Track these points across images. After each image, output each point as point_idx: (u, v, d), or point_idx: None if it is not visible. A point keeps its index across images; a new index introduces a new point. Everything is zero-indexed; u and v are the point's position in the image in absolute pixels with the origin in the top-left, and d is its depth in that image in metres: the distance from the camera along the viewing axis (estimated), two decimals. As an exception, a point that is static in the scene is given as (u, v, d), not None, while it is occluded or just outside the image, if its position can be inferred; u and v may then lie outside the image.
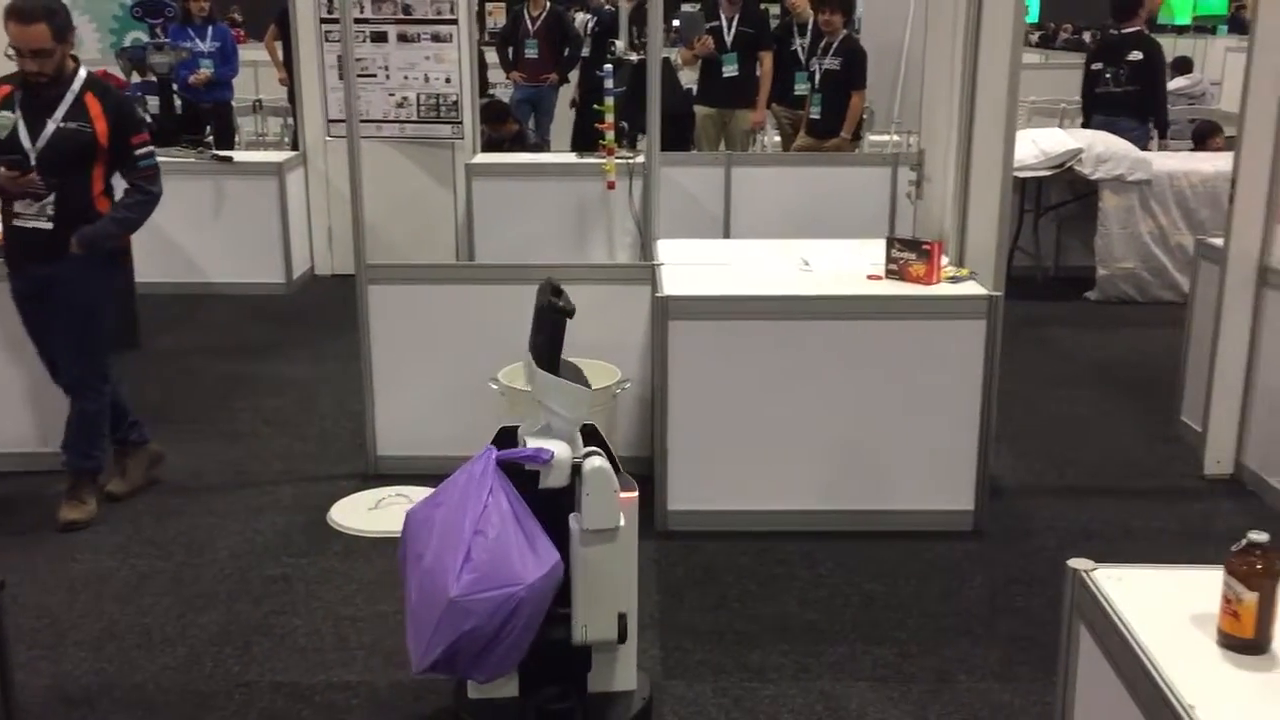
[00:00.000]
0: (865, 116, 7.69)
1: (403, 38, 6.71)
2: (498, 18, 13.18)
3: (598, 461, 2.64)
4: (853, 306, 3.95)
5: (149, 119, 7.41)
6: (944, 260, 4.14)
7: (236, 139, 9.30)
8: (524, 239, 6.56)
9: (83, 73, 3.93)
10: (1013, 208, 6.13)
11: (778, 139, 8.67)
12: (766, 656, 3.30)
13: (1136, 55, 7.49)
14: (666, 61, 6.89)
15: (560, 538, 2.64)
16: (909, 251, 4.08)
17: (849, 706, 3.08)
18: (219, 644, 3.36)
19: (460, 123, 6.85)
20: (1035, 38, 19.81)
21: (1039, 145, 7.05)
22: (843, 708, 3.07)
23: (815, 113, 7.53)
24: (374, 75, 6.71)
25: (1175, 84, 11.28)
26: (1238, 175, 4.30)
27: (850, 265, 4.28)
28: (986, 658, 3.30)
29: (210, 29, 8.33)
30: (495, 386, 3.99)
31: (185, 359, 5.99)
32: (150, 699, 3.11)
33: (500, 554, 2.51)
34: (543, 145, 9.10)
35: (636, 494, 2.75)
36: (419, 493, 4.24)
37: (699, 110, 8.20)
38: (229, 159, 7.27)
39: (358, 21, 6.50)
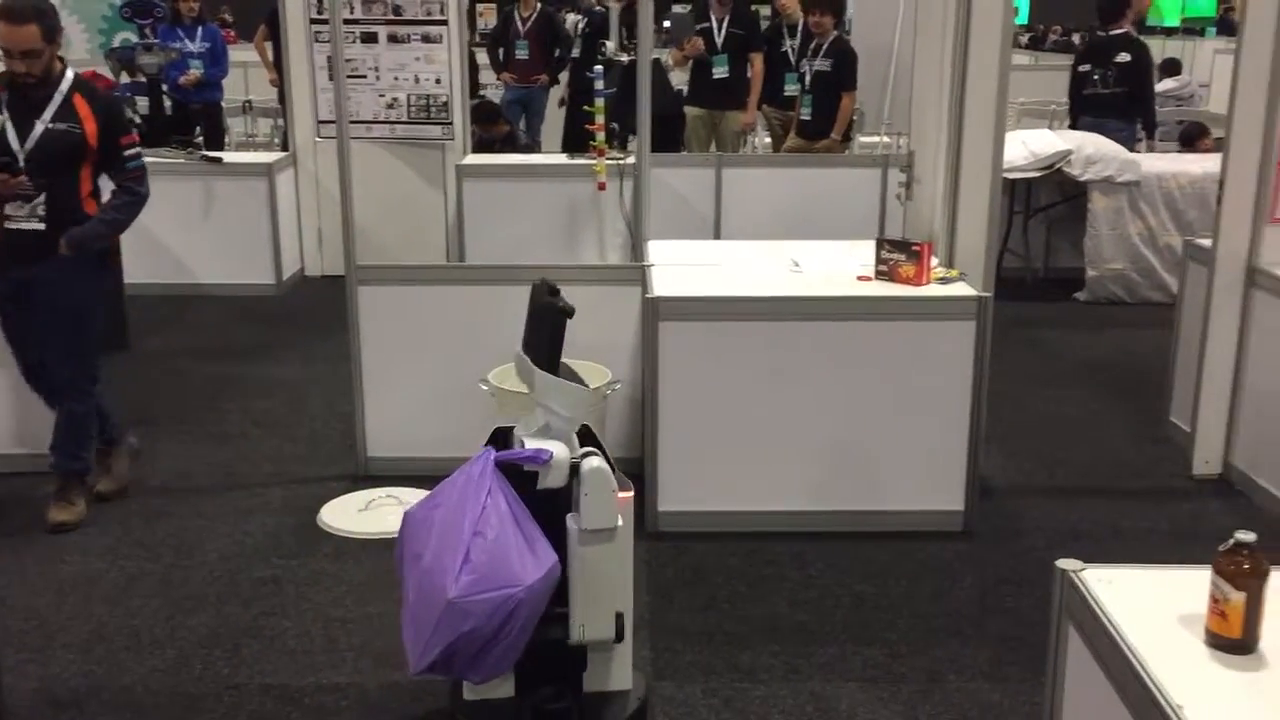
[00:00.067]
0: (855, 118, 7.70)
1: (393, 38, 6.70)
2: (489, 18, 13.16)
3: (596, 462, 2.65)
4: (843, 307, 3.96)
5: (138, 120, 7.40)
6: (934, 261, 4.15)
7: (226, 140, 9.28)
8: (514, 240, 6.55)
9: (70, 74, 3.92)
10: (1002, 209, 6.14)
11: (768, 140, 8.68)
12: (757, 657, 3.31)
13: (1124, 57, 7.52)
14: (657, 62, 6.89)
15: (557, 538, 2.65)
16: (899, 252, 4.09)
17: (839, 707, 3.08)
18: (208, 646, 3.35)
19: (451, 123, 6.85)
20: (1025, 39, 19.86)
21: (1028, 147, 7.07)
22: (833, 708, 3.08)
23: (805, 114, 7.54)
24: (364, 76, 6.70)
25: (1164, 85, 11.31)
26: (1225, 176, 4.32)
27: (840, 266, 4.28)
28: (976, 658, 3.31)
29: (200, 29, 8.31)
30: (485, 388, 3.98)
31: (174, 360, 5.98)
32: (139, 701, 3.10)
33: (499, 555, 2.51)
34: (533, 146, 9.09)
35: (632, 493, 2.76)
36: (409, 494, 4.24)
37: (689, 111, 8.20)
38: (218, 160, 7.25)
39: (348, 22, 6.49)
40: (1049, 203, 7.49)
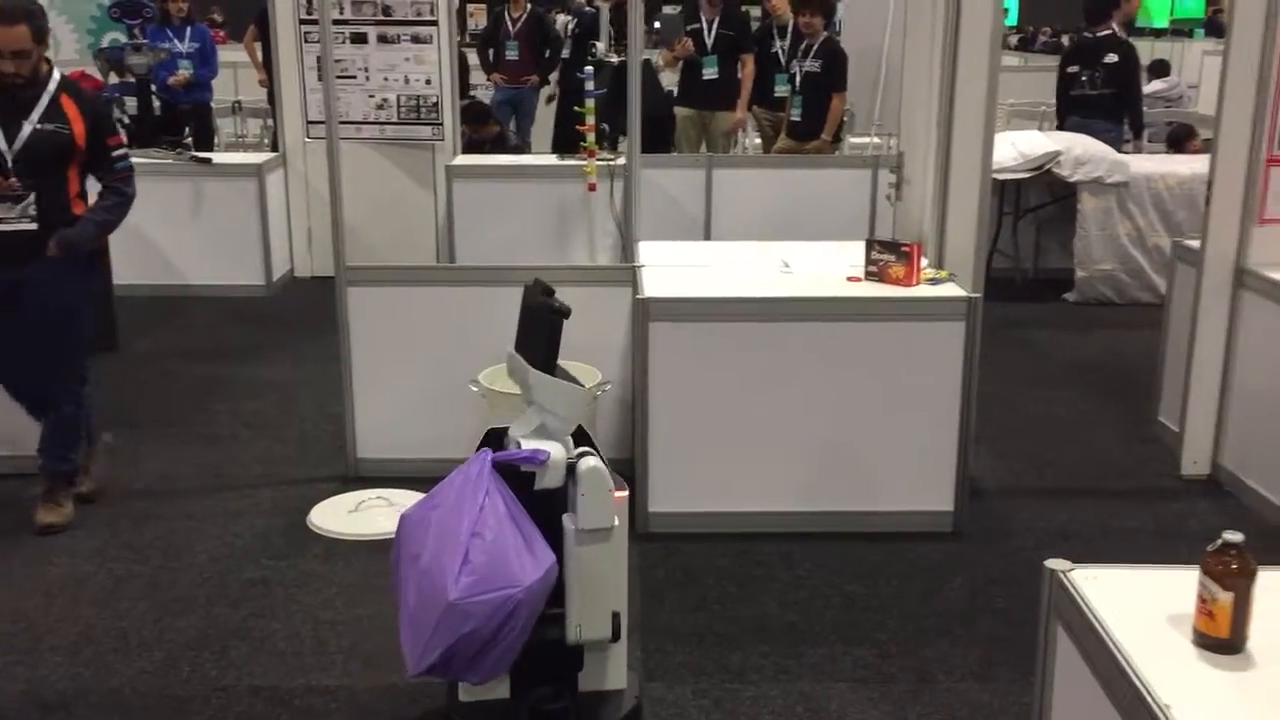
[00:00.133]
0: (846, 119, 7.71)
1: (383, 39, 6.69)
2: (479, 19, 13.16)
3: (592, 461, 2.66)
4: (832, 308, 3.96)
5: (127, 120, 7.38)
6: (923, 262, 4.16)
7: (216, 140, 9.26)
8: (505, 241, 6.55)
9: (56, 74, 3.92)
10: (992, 210, 6.15)
11: (758, 141, 8.69)
12: (747, 658, 3.31)
13: (1112, 58, 7.54)
14: (647, 63, 6.89)
15: (553, 538, 2.65)
16: (889, 253, 4.10)
17: (829, 707, 3.08)
18: (197, 648, 3.34)
19: (440, 124, 6.84)
20: (1014, 40, 19.90)
21: (1018, 148, 7.08)
22: (823, 709, 3.08)
23: (796, 115, 7.54)
24: (354, 77, 6.69)
25: (1152, 87, 11.35)
26: (1214, 178, 4.33)
27: (830, 267, 4.29)
28: (966, 658, 3.32)
29: (189, 30, 8.29)
30: (476, 389, 3.98)
31: (163, 361, 5.96)
32: (127, 704, 3.09)
33: (498, 556, 2.51)
34: (523, 147, 9.09)
35: (627, 493, 2.76)
36: (399, 495, 4.23)
37: (679, 112, 8.21)
38: (208, 160, 7.23)
39: (337, 23, 6.47)
40: (1038, 204, 7.51)
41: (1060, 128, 7.85)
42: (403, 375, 4.40)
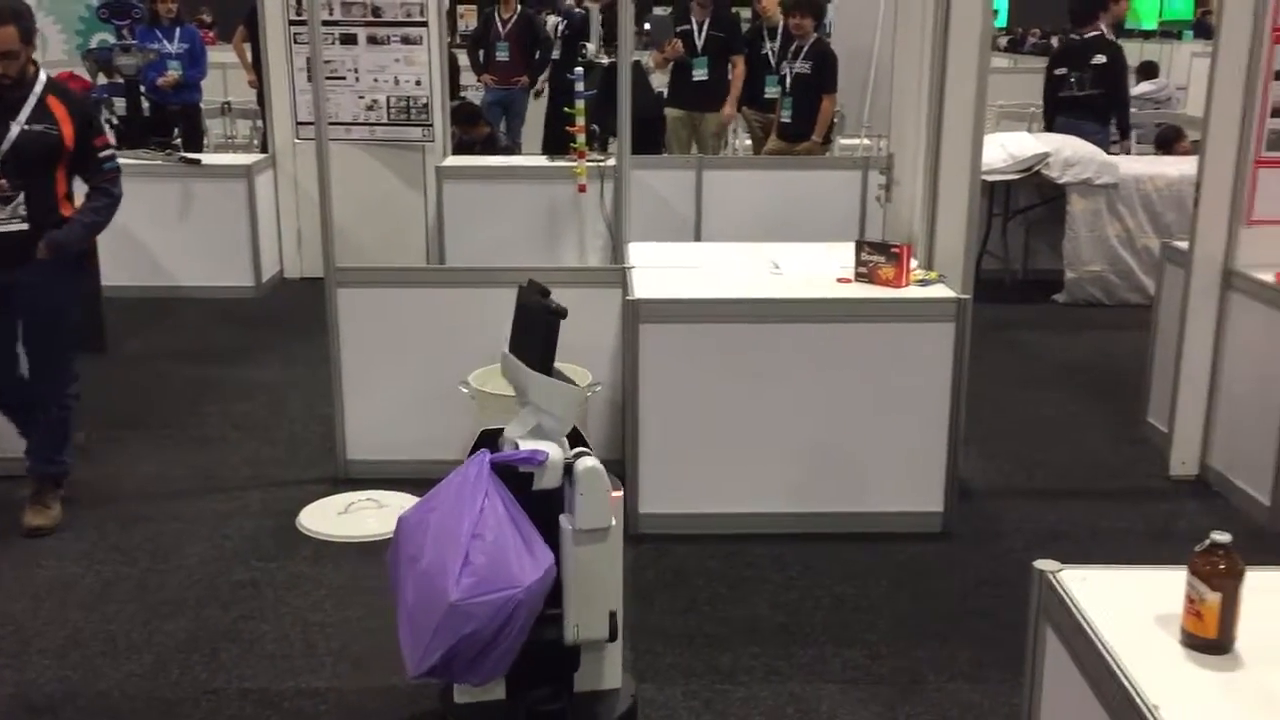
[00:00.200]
0: (836, 120, 7.72)
1: (372, 40, 6.68)
2: (469, 20, 13.16)
3: (590, 462, 2.66)
4: (822, 309, 3.97)
5: (116, 121, 7.35)
6: (913, 263, 4.16)
7: (205, 141, 9.23)
8: (495, 242, 6.54)
9: (43, 76, 3.91)
10: (981, 211, 6.18)
11: (748, 142, 8.69)
12: (737, 659, 3.31)
13: (1100, 59, 7.57)
14: (637, 64, 6.91)
15: (549, 539, 2.66)
16: (878, 254, 4.10)
17: (819, 708, 3.08)
18: (186, 651, 3.33)
19: (430, 125, 6.83)
20: (1004, 42, 19.95)
21: (1007, 149, 7.10)
22: (813, 710, 3.08)
23: (786, 116, 7.55)
24: (343, 78, 6.68)
25: (1141, 88, 11.39)
26: (1202, 179, 4.35)
27: (820, 268, 4.29)
28: (955, 659, 3.32)
29: (178, 30, 8.26)
30: (466, 390, 3.97)
31: (152, 363, 5.94)
32: (116, 707, 3.08)
33: (499, 557, 2.52)
34: (514, 148, 9.08)
35: (622, 492, 2.76)
36: (389, 497, 4.23)
37: (669, 113, 8.21)
38: (197, 161, 7.21)
39: (327, 23, 6.46)
40: (1028, 205, 7.53)
41: (1048, 129, 7.88)
42: (392, 377, 4.39)
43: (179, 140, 8.06)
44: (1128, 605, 1.94)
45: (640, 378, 3.94)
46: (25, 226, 3.82)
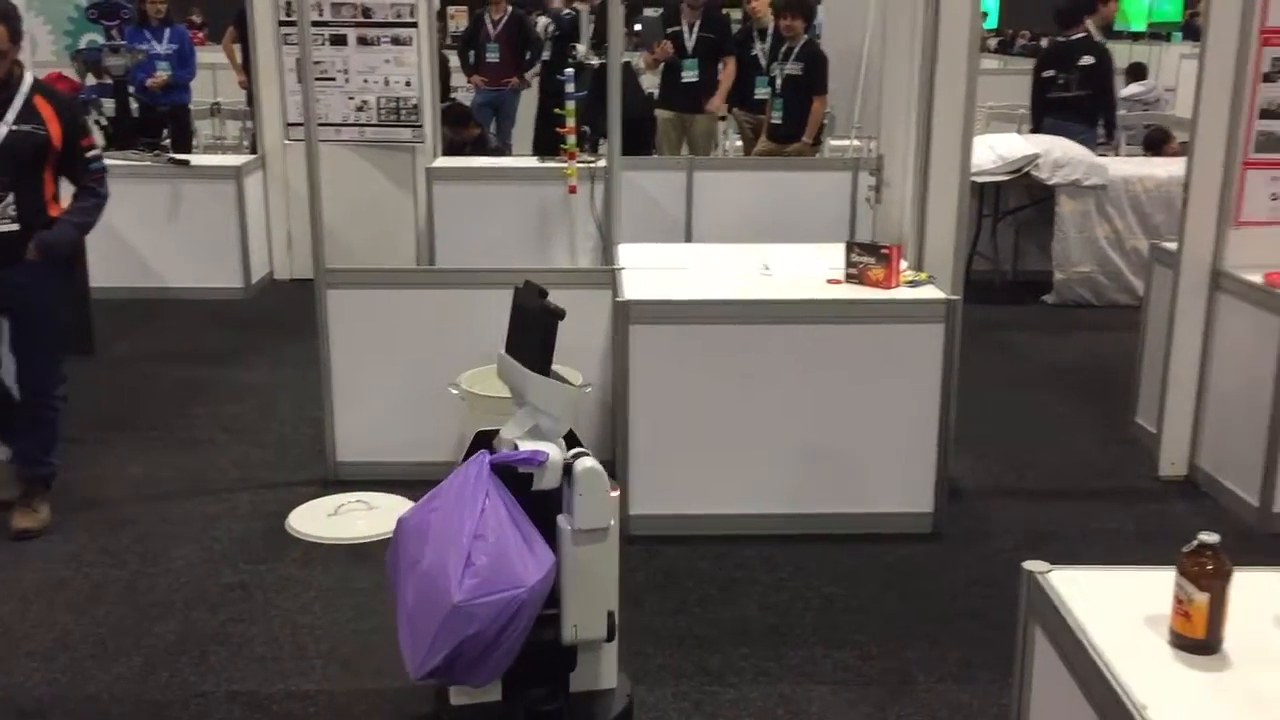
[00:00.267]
0: (826, 121, 7.73)
1: (362, 41, 6.68)
2: (459, 21, 13.13)
3: (589, 462, 2.66)
4: (812, 310, 3.97)
5: (105, 122, 7.33)
6: (903, 264, 4.17)
7: (194, 142, 9.21)
8: (485, 243, 6.54)
9: (29, 76, 3.90)
10: (971, 212, 6.17)
11: (739, 143, 8.69)
12: (727, 660, 3.31)
13: (1088, 60, 7.60)
14: (627, 66, 6.89)
15: (546, 539, 2.66)
16: (868, 256, 4.11)
17: (809, 709, 3.09)
18: (175, 654, 3.32)
19: (421, 126, 6.83)
20: (993, 43, 19.99)
21: (996, 151, 7.12)
22: (803, 711, 3.08)
23: (776, 117, 7.56)
24: (333, 79, 6.67)
25: (1130, 90, 11.42)
26: (1190, 180, 4.36)
27: (810, 269, 4.29)
28: (945, 659, 3.33)
29: (167, 31, 8.23)
30: (456, 392, 3.97)
31: (141, 365, 5.92)
32: (104, 710, 3.07)
33: (501, 557, 2.53)
34: (504, 149, 9.07)
35: (618, 492, 2.77)
36: (379, 499, 4.22)
37: (660, 114, 8.21)
38: (186, 162, 7.19)
39: (317, 24, 6.46)
40: (1017, 206, 7.54)
41: (1035, 131, 7.90)
42: (382, 378, 4.38)
43: (168, 141, 8.02)
44: (1116, 606, 1.95)
45: (630, 379, 3.94)
46: (15, 227, 3.81)
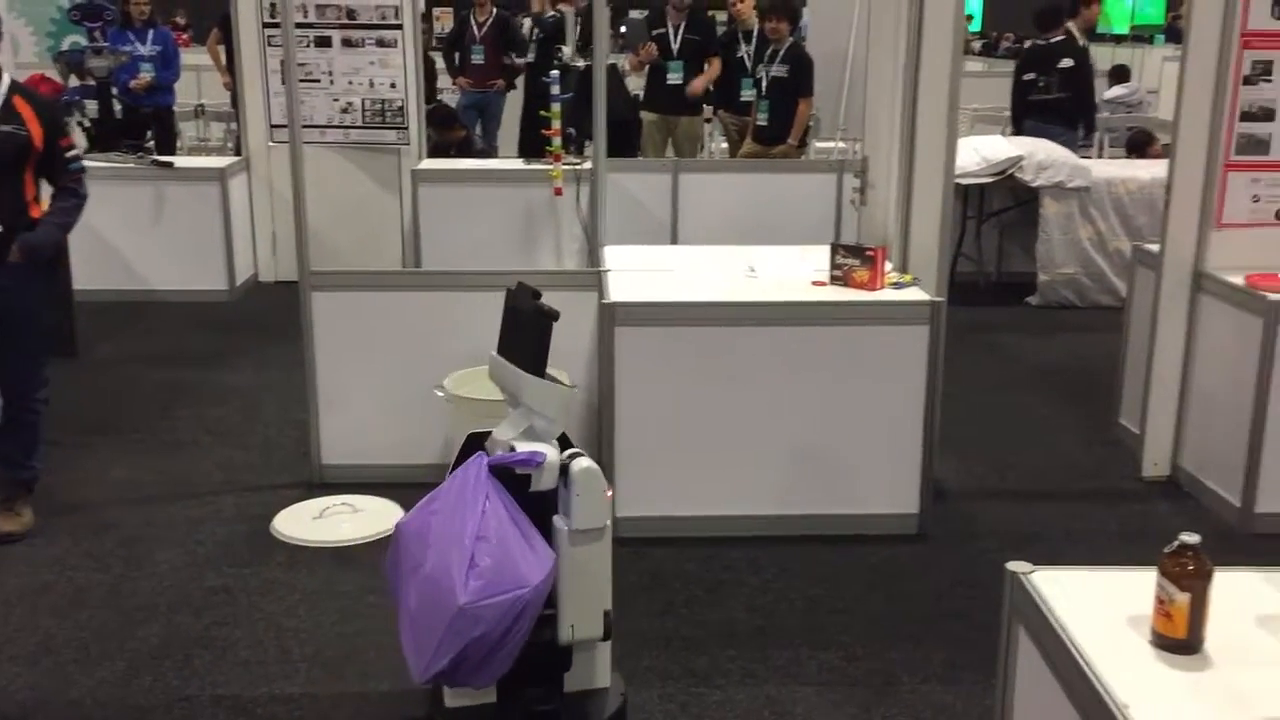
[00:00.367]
0: (811, 123, 7.75)
1: (347, 43, 6.66)
2: (445, 23, 13.11)
3: (586, 462, 2.67)
4: (797, 312, 3.98)
5: (88, 124, 7.29)
6: (887, 266, 4.18)
7: (178, 144, 9.17)
8: (471, 245, 6.53)
9: (6, 77, 3.88)
10: (955, 214, 6.19)
11: (724, 145, 8.70)
12: (713, 662, 3.31)
13: (1068, 62, 7.64)
14: (613, 68, 6.89)
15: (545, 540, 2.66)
16: (853, 258, 4.12)
17: (795, 710, 3.09)
18: (159, 657, 3.30)
19: (406, 128, 6.81)
20: (978, 46, 20.05)
21: (980, 153, 7.15)
22: (788, 712, 3.09)
23: (762, 119, 7.56)
24: (318, 80, 6.65)
25: (1112, 92, 11.47)
26: (1172, 182, 4.39)
27: (795, 271, 4.30)
28: (930, 660, 3.34)
29: (151, 32, 8.21)
30: (441, 394, 3.96)
31: (125, 367, 5.90)
32: (87, 714, 3.05)
33: (504, 558, 2.53)
34: (490, 151, 9.06)
35: (612, 492, 2.77)
36: (364, 502, 4.21)
37: (645, 116, 8.21)
38: (170, 164, 7.16)
39: (301, 26, 6.44)
40: (1001, 208, 7.57)
41: (1016, 133, 7.94)
42: (367, 381, 4.37)
43: (151, 143, 8.00)
44: (1099, 606, 1.96)
45: (616, 381, 3.94)
46: (0, 229, 3.79)
